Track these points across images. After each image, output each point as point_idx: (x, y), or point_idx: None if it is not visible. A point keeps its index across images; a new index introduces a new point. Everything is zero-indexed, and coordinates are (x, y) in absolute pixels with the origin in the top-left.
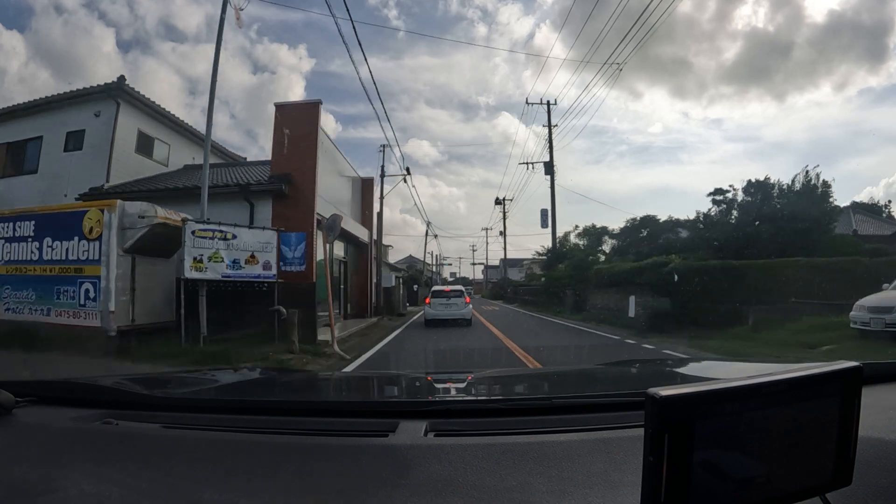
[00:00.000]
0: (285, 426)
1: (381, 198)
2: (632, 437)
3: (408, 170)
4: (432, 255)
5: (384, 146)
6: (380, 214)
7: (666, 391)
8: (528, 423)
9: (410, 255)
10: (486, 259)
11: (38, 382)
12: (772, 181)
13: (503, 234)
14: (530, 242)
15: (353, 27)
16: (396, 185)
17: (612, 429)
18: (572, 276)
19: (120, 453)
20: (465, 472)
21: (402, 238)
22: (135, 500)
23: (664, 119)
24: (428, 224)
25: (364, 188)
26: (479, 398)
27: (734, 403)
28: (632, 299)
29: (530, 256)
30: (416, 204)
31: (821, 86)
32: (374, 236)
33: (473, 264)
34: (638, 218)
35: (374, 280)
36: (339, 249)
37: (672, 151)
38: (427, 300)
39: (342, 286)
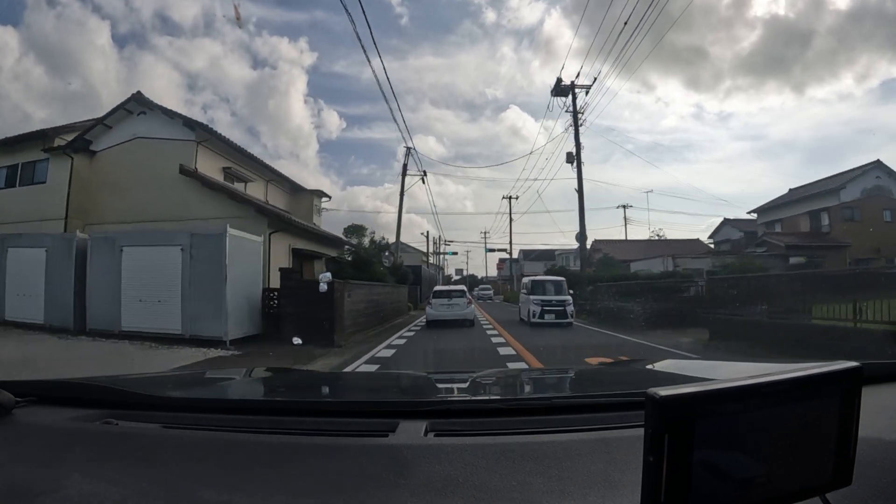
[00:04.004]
0: (285, 426)
1: None
2: (632, 437)
3: None
4: (427, 235)
5: None
6: None
7: (666, 391)
8: (528, 423)
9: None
10: (511, 244)
11: (38, 382)
12: None
13: (575, 156)
14: (552, 238)
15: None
16: None
17: (612, 429)
18: None
19: (120, 453)
20: (465, 472)
21: (408, 240)
22: (135, 500)
23: (676, 114)
24: (407, 151)
25: None
26: (480, 398)
27: (734, 403)
28: None
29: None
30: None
31: (842, 77)
32: None
33: (489, 251)
34: None
35: None
36: None
37: (678, 150)
38: (428, 301)
39: None
